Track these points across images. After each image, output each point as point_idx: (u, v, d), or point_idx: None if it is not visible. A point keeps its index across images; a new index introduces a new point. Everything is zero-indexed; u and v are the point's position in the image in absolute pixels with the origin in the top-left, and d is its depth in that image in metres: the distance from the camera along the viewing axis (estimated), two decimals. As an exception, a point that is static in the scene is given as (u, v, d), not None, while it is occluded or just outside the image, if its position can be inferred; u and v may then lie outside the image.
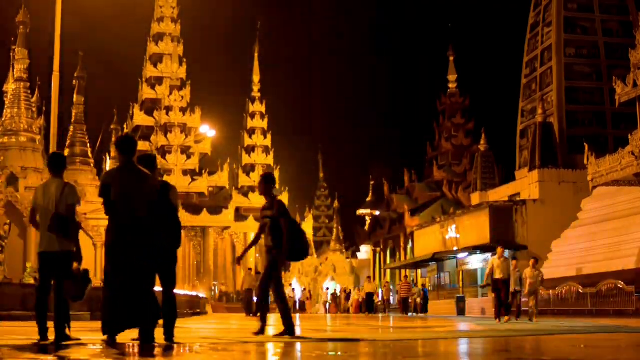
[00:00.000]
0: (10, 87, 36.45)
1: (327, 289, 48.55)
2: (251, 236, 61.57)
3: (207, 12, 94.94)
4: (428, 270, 46.33)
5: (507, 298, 17.63)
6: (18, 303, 15.82)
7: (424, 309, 34.70)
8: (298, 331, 9.44)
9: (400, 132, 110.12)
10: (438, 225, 43.10)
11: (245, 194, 65.94)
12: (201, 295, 38.35)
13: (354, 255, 65.49)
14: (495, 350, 6.77)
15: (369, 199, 67.84)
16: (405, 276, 37.43)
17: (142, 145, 63.54)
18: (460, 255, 39.52)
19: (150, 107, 64.30)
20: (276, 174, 67.54)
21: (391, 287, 44.81)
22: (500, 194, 42.11)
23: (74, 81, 41.21)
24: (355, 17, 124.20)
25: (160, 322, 7.04)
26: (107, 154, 51.59)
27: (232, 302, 52.15)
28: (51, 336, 7.07)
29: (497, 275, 17.27)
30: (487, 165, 46.65)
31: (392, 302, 44.20)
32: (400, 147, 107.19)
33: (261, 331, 8.52)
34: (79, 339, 7.20)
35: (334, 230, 67.61)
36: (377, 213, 58.90)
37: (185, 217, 57.81)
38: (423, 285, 42.00)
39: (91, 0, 43.00)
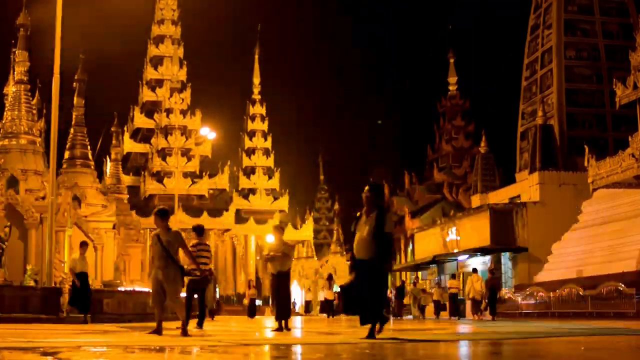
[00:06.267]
0: (10, 89, 36.42)
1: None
2: (252, 239, 61.14)
3: (207, 15, 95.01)
4: (428, 272, 46.34)
5: None
6: (18, 305, 15.82)
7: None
8: None
9: (400, 134, 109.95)
10: (438, 227, 43.08)
11: (246, 197, 65.93)
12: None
13: (354, 258, 65.42)
14: (494, 352, 6.77)
15: (369, 201, 67.56)
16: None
17: (142, 148, 63.66)
18: (461, 258, 39.55)
19: (151, 109, 64.36)
20: (276, 176, 67.56)
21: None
22: (500, 196, 42.08)
23: (75, 83, 41.13)
24: (355, 18, 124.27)
25: None
26: (107, 157, 51.52)
27: (233, 305, 52.10)
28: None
29: None
30: (487, 167, 46.58)
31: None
32: (401, 149, 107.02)
33: None
34: None
35: (335, 232, 67.53)
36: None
37: (185, 220, 57.77)
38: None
39: (92, 3, 43.11)
